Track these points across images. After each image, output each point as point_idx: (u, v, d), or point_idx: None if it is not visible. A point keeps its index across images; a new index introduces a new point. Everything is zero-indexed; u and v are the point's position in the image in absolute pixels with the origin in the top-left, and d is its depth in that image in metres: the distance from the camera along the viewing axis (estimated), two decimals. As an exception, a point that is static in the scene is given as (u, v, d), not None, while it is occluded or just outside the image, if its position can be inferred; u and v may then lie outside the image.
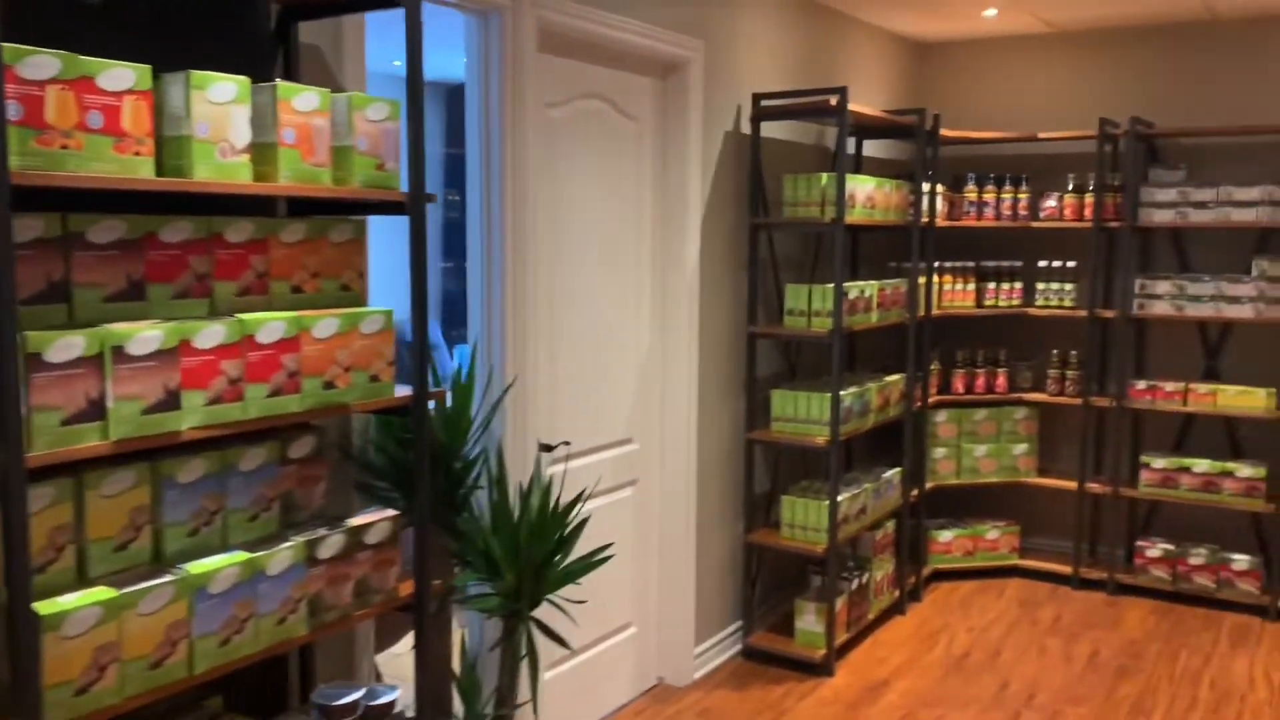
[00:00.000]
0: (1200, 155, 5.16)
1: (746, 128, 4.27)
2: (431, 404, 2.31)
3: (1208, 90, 5.12)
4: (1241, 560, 4.90)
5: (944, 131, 5.11)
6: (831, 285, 4.12)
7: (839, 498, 4.21)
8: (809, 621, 4.27)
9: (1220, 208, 4.86)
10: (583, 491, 3.00)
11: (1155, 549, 5.09)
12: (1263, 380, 5.06)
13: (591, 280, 3.62)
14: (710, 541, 4.24)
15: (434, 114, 8.25)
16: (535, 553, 2.60)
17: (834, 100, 4.03)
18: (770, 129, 4.44)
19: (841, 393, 4.19)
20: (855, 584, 4.46)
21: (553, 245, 3.41)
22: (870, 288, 4.39)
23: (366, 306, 2.24)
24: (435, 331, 7.04)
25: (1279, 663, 4.35)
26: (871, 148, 5.29)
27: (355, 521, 2.17)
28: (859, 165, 5.07)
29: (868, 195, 4.33)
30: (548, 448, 3.38)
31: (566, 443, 3.35)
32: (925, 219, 4.92)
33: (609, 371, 3.75)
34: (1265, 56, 4.98)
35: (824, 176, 4.13)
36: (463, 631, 3.15)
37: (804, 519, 4.24)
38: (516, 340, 3.13)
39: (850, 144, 5.09)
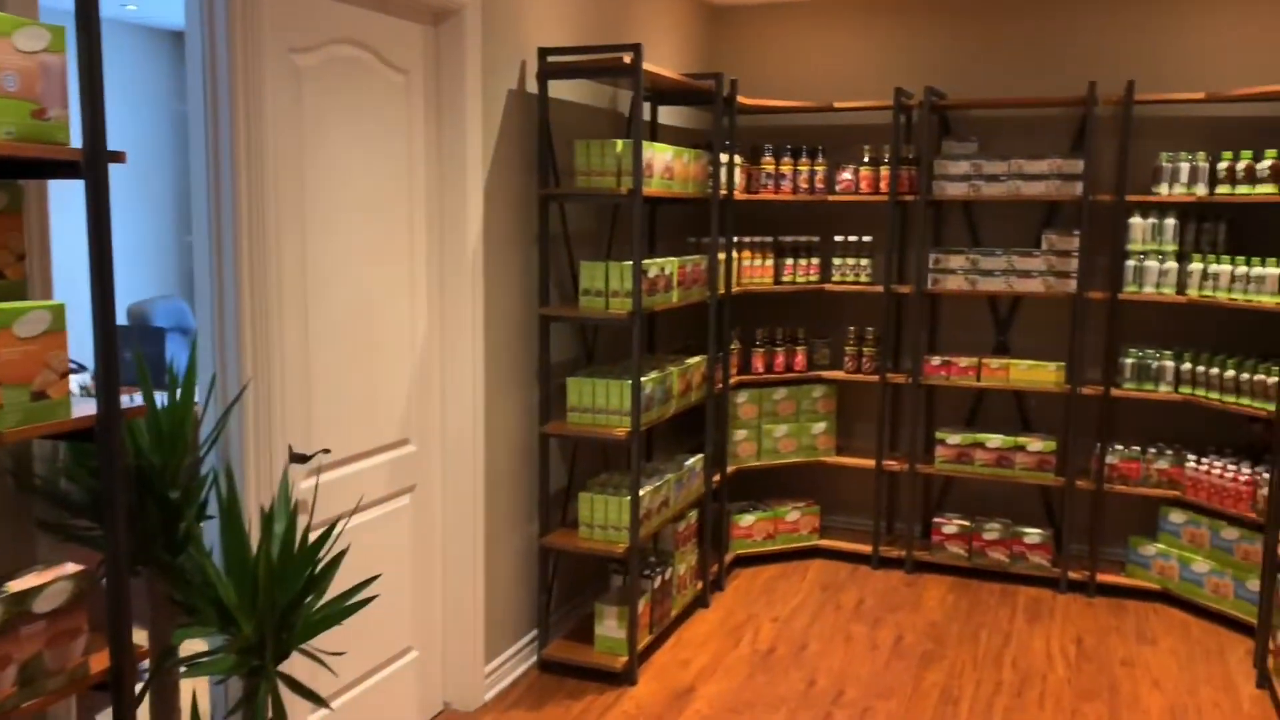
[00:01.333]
0: (992, 127, 5.13)
1: (533, 86, 3.84)
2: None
3: (1000, 61, 5.09)
4: (1033, 534, 4.94)
5: (741, 99, 4.85)
6: (629, 263, 3.77)
7: (640, 492, 3.89)
8: (610, 627, 3.94)
9: (1011, 180, 4.83)
10: (341, 516, 2.52)
11: (951, 525, 5.06)
12: (1050, 354, 5.11)
13: (354, 257, 3.11)
14: (501, 547, 3.83)
15: (165, 65, 7.37)
16: (279, 595, 2.12)
17: (628, 58, 3.67)
18: (560, 89, 4.04)
19: (642, 379, 3.86)
20: (658, 581, 4.17)
21: (300, 216, 2.89)
22: (670, 265, 4.08)
23: (30, 300, 1.69)
24: (188, 317, 6.27)
25: (1073, 636, 4.37)
26: (667, 115, 4.97)
27: (17, 585, 1.64)
28: (655, 133, 4.74)
29: (666, 165, 4.00)
30: (302, 458, 2.87)
31: (326, 450, 2.86)
32: (724, 191, 4.65)
33: (378, 363, 3.26)
34: (1055, 29, 4.98)
35: (619, 143, 3.76)
36: (194, 693, 2.61)
37: (604, 517, 3.89)
38: (255, 330, 2.61)
39: (645, 110, 4.75)
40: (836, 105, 5.09)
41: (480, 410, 3.63)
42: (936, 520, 5.10)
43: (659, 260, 3.99)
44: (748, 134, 5.30)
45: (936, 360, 5.01)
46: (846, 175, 5.10)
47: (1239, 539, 4.44)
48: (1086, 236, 4.70)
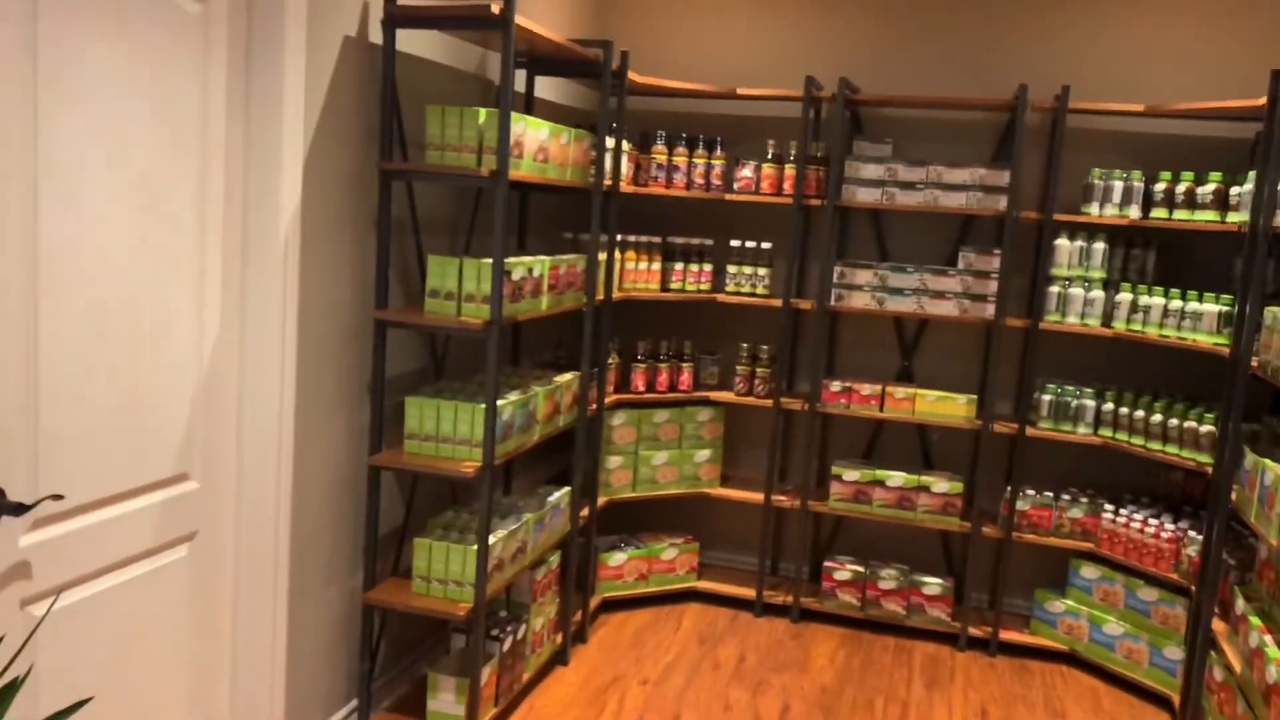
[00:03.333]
0: (908, 129, 4.60)
1: (376, 34, 3.10)
2: None
3: (920, 56, 4.57)
4: (932, 584, 4.44)
5: (633, 76, 4.19)
6: (490, 260, 3.07)
7: (492, 539, 3.20)
8: (445, 702, 3.24)
9: (929, 190, 4.31)
10: (71, 584, 1.77)
11: (844, 570, 4.52)
12: (958, 384, 4.63)
13: (114, 243, 2.33)
14: (313, 606, 3.09)
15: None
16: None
17: (497, 7, 2.96)
18: (412, 42, 3.30)
19: (501, 403, 3.17)
20: (508, 643, 3.48)
21: (29, 189, 2.10)
22: (541, 265, 3.39)
23: None
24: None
25: (977, 707, 3.87)
26: (545, 89, 4.28)
27: None
28: (530, 107, 4.04)
29: (540, 144, 3.32)
30: (18, 508, 2.08)
31: (58, 496, 2.08)
32: (609, 182, 3.99)
33: (147, 378, 2.48)
34: (983, 26, 4.48)
35: (481, 112, 3.05)
36: None
37: (444, 569, 3.19)
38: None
39: (519, 80, 4.05)
40: (740, 92, 4.48)
41: (289, 436, 2.88)
42: (827, 564, 4.56)
43: (527, 259, 3.29)
44: (637, 118, 4.65)
45: (837, 386, 4.46)
46: (747, 172, 4.50)
47: (1157, 600, 4.01)
48: (1008, 257, 4.22)
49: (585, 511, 4.15)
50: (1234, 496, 3.35)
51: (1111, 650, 4.14)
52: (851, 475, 4.48)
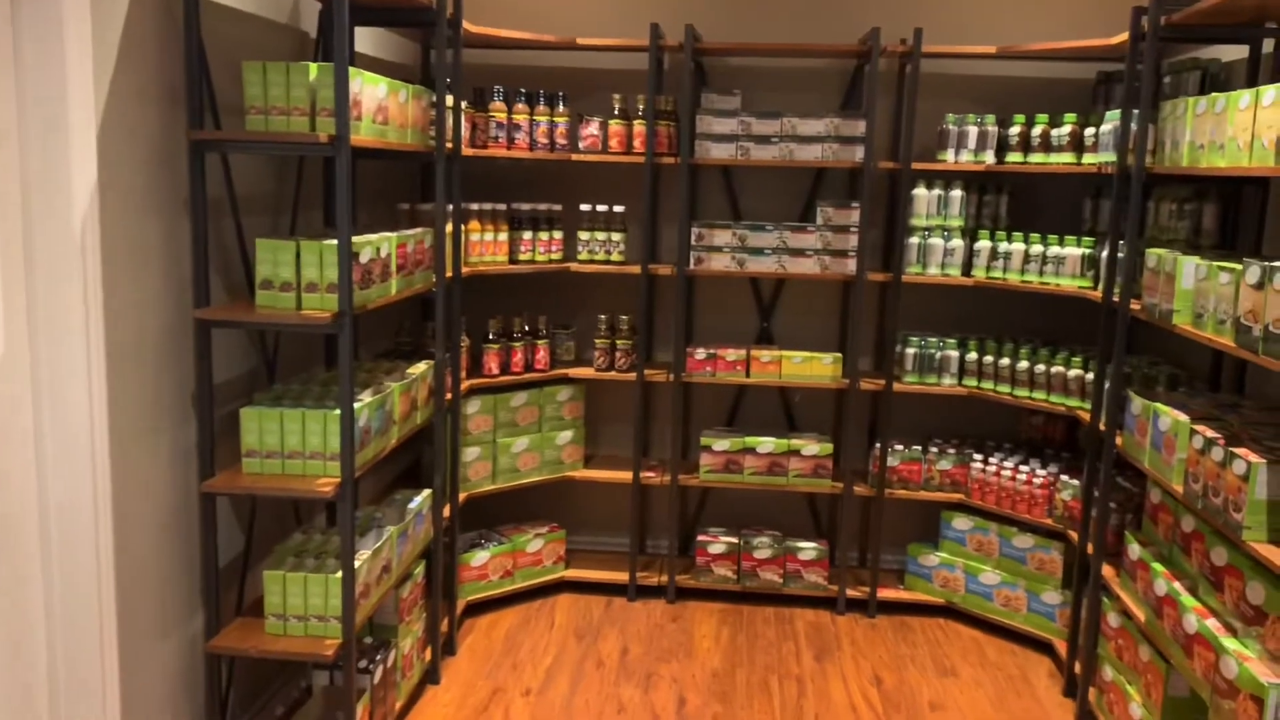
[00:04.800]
0: (753, 79, 4.38)
1: (175, -24, 2.57)
2: None
3: (759, 3, 4.34)
4: (808, 549, 4.31)
5: (467, 25, 3.76)
6: (331, 242, 2.63)
7: (356, 563, 2.79)
8: (317, 752, 2.83)
9: (784, 143, 4.11)
10: None
11: (718, 543, 4.33)
12: (818, 343, 4.48)
13: None
14: (149, 661, 2.59)
15: None
16: None
17: (326, -59, 2.50)
18: (217, -12, 2.79)
19: (357, 405, 2.74)
20: (379, 673, 3.08)
21: None
22: (388, 243, 2.96)
23: None
24: None
25: (870, 674, 3.77)
26: (364, 42, 3.79)
27: None
28: (351, 59, 3.55)
29: (379, 103, 2.87)
30: None
31: None
32: (450, 144, 3.56)
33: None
34: (821, -32, 4.30)
35: (313, 67, 2.60)
36: None
37: (302, 604, 2.75)
38: None
39: (337, 31, 3.55)
40: (580, 42, 4.13)
41: (105, 466, 2.37)
42: (700, 538, 4.35)
43: (373, 238, 2.86)
44: (471, 73, 4.22)
45: (701, 354, 4.23)
46: (593, 129, 4.16)
47: (1033, 547, 4.02)
48: (867, 210, 4.08)
49: (447, 512, 3.76)
50: (1119, 441, 3.33)
51: (989, 600, 4.14)
52: (721, 445, 4.27)
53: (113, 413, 2.41)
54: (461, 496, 3.99)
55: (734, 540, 4.34)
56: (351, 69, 2.65)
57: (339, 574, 2.74)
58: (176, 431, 2.70)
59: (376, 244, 2.87)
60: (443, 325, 3.47)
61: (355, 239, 2.73)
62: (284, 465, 2.73)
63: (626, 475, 4.31)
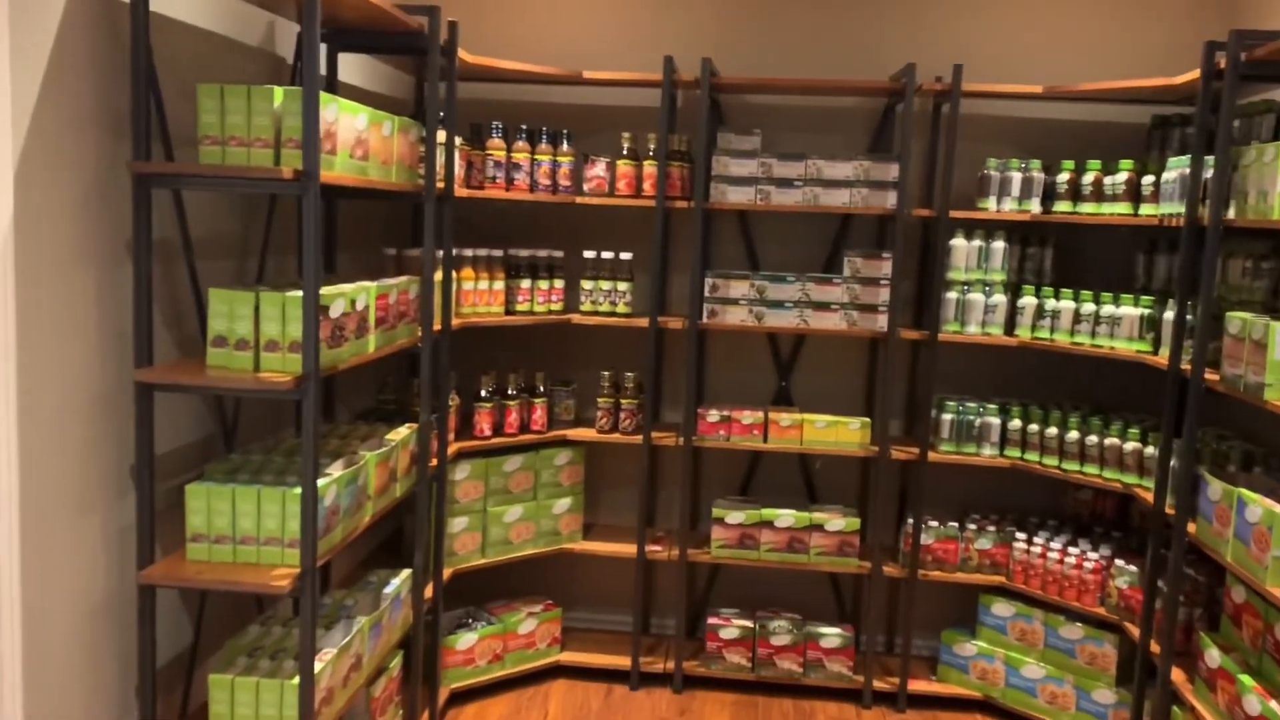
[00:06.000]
0: (776, 118, 4.04)
1: (120, -15, 2.23)
2: None
3: (783, 37, 4.01)
4: (831, 635, 3.89)
5: (462, 54, 3.42)
6: (297, 293, 2.26)
7: (317, 664, 2.39)
8: None
9: (808, 187, 3.75)
10: None
11: (730, 627, 3.92)
12: (842, 406, 4.10)
13: None
14: (62, 789, 2.19)
15: None
16: None
17: (295, -54, 2.16)
18: (171, 2, 2.44)
19: (322, 482, 2.36)
20: (345, 788, 2.66)
21: None
22: (366, 294, 2.59)
23: None
24: None
25: (904, 784, 3.35)
26: (350, 70, 3.45)
27: None
28: (333, 89, 3.20)
29: (358, 136, 2.52)
30: None
31: None
32: (441, 184, 3.21)
33: None
34: (860, 2, 3.97)
35: (279, 91, 2.24)
36: None
37: (253, 713, 2.35)
38: None
39: (321, 55, 3.20)
40: (587, 76, 3.79)
41: (14, 557, 1.99)
42: (711, 621, 3.94)
43: (347, 288, 2.49)
44: (467, 108, 3.87)
45: (714, 415, 3.84)
46: (599, 170, 3.81)
47: (1083, 638, 3.60)
48: (899, 261, 3.72)
49: (429, 591, 3.36)
50: (1192, 529, 2.93)
51: (1033, 695, 3.71)
52: (735, 517, 3.87)
53: (26, 491, 2.03)
54: (447, 572, 3.59)
55: (748, 624, 3.92)
56: (325, 95, 2.30)
57: (295, 679, 2.33)
58: (111, 511, 2.31)
59: (351, 295, 2.50)
60: (429, 384, 3.09)
61: (325, 290, 2.36)
62: (235, 552, 2.34)
63: (630, 549, 3.91)
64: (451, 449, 3.52)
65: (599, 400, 3.89)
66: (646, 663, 3.96)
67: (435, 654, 3.47)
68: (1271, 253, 3.06)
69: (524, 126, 3.74)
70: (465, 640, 3.71)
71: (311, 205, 2.23)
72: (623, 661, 3.95)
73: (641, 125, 3.90)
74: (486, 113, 3.86)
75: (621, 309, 3.85)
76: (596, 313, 3.86)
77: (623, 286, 3.85)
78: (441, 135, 3.18)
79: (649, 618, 4.24)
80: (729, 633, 3.92)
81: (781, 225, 4.08)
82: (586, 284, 3.86)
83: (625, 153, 3.79)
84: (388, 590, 2.92)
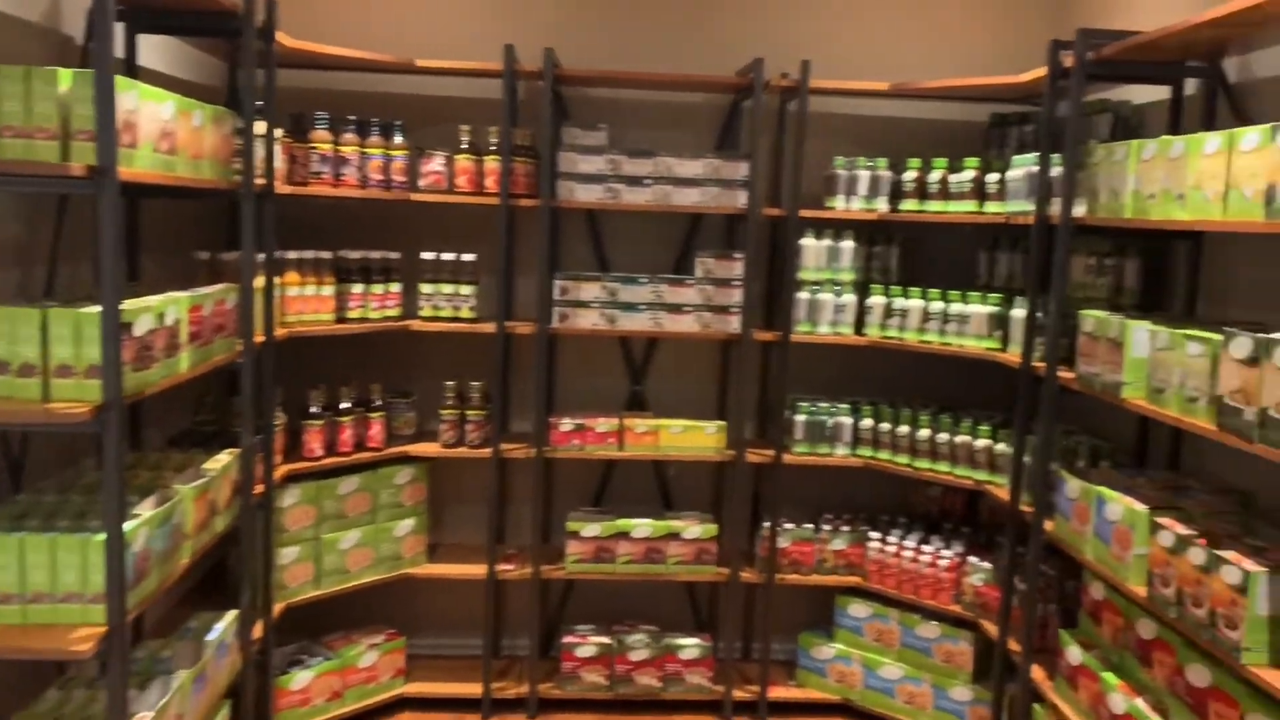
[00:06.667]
0: (617, 113, 3.88)
1: None
2: None
3: (627, 29, 3.86)
4: (690, 646, 3.77)
5: (282, 38, 3.10)
6: (95, 309, 1.94)
7: (129, 736, 2.07)
8: None
9: (658, 185, 3.61)
10: None
11: (587, 645, 3.75)
12: (693, 409, 3.98)
13: None
14: None
15: None
16: None
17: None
18: (-71, -35, 2.07)
19: (129, 526, 2.04)
20: None
21: None
22: (177, 306, 2.28)
23: None
24: None
25: (771, 799, 3.26)
26: (152, 54, 3.07)
27: None
28: (133, 74, 2.83)
29: (163, 127, 2.21)
30: None
31: None
32: (261, 180, 2.89)
33: None
34: (692, -8, 3.85)
35: (65, 74, 1.92)
36: None
37: (51, 799, 2.01)
38: None
39: (118, 36, 2.83)
40: (421, 64, 3.53)
41: None
42: (567, 639, 3.76)
43: (154, 301, 2.18)
44: (288, 98, 3.53)
45: (568, 424, 3.66)
46: (436, 165, 3.56)
47: (939, 637, 3.60)
48: (752, 261, 3.63)
49: (258, 630, 3.04)
50: (1049, 526, 2.95)
51: (891, 696, 3.70)
52: (591, 530, 3.70)
53: None
54: (277, 608, 3.27)
55: (605, 640, 3.76)
56: (123, 80, 1.99)
57: (103, 757, 2.02)
58: None
59: (159, 308, 2.18)
60: (252, 402, 2.78)
61: (128, 304, 2.05)
62: (26, 613, 2.00)
63: (479, 569, 3.68)
64: (279, 473, 3.20)
65: (442, 412, 3.64)
66: (499, 688, 3.74)
67: (267, 698, 3.16)
68: (1114, 250, 3.12)
69: (352, 118, 3.45)
70: (300, 679, 3.39)
71: (109, 206, 1.92)
72: (473, 689, 3.72)
73: (481, 118, 3.66)
74: (310, 103, 3.54)
75: (465, 314, 3.62)
76: (437, 318, 3.60)
77: (465, 290, 3.61)
78: (260, 126, 2.88)
79: (500, 640, 4.01)
80: (586, 650, 3.75)
81: (631, 225, 3.93)
82: (425, 288, 3.60)
83: (465, 147, 3.56)
84: (211, 636, 2.61)
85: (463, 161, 3.55)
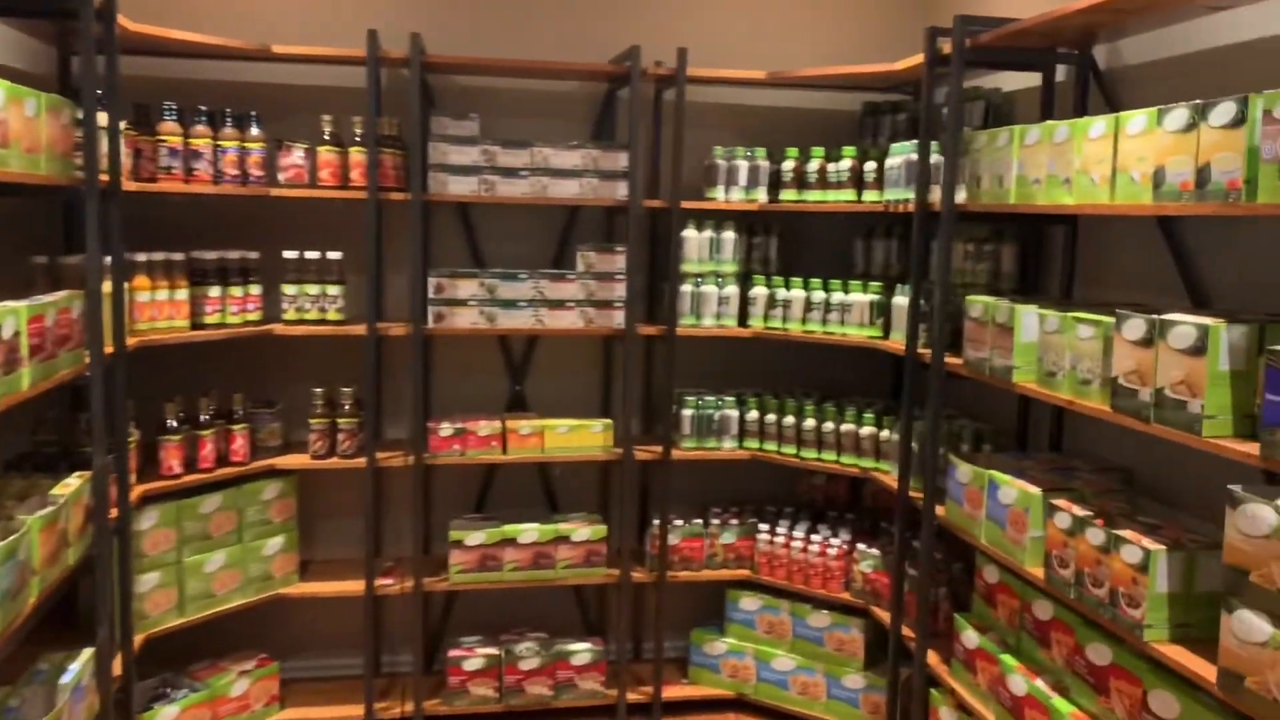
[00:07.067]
0: (488, 102, 3.73)
1: None
2: None
3: (497, 14, 3.71)
4: (581, 650, 3.66)
5: (124, 21, 2.84)
6: (-86, 322, 1.70)
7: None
8: None
9: (535, 177, 3.49)
10: None
11: (474, 658, 3.60)
12: (578, 408, 3.87)
13: None
14: None
15: None
16: None
17: None
18: None
19: (-38, 568, 1.80)
20: None
21: None
22: (15, 317, 2.04)
23: None
24: None
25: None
26: (-28, 35, 2.77)
27: None
28: (-50, 61, 2.55)
29: (-10, 113, 1.96)
30: None
31: None
32: (105, 176, 2.64)
33: None
34: (563, -23, 3.73)
35: None
36: None
37: None
38: None
39: (-74, 17, 2.53)
40: (278, 50, 3.31)
41: None
42: (452, 653, 3.60)
43: (-12, 311, 1.94)
44: (132, 86, 3.23)
45: (448, 429, 3.50)
46: (296, 158, 3.34)
47: (830, 626, 3.61)
48: (634, 254, 3.54)
49: (117, 665, 2.78)
50: (940, 512, 2.96)
51: (785, 688, 3.68)
52: (475, 538, 3.55)
53: None
54: (138, 639, 3.01)
55: (493, 651, 3.61)
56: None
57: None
58: None
59: (-6, 319, 1.94)
60: (102, 419, 2.54)
61: (-44, 315, 1.81)
62: None
63: (357, 585, 3.49)
64: (135, 494, 2.94)
65: (312, 421, 3.43)
66: (381, 709, 3.56)
67: (129, 739, 2.90)
68: (992, 236, 3.16)
69: (204, 108, 3.20)
70: (165, 715, 3.14)
71: (-70, 204, 1.68)
72: (355, 711, 3.52)
73: (344, 108, 3.46)
74: (156, 92, 3.26)
75: (333, 315, 3.41)
76: (303, 321, 3.39)
77: (333, 290, 3.41)
78: (102, 118, 2.62)
79: (381, 658, 3.82)
80: (473, 663, 3.60)
81: (506, 219, 3.79)
82: (289, 289, 3.38)
83: (327, 138, 3.35)
84: (65, 679, 2.36)
85: (325, 154, 3.34)
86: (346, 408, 3.46)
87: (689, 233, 3.63)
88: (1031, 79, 3.14)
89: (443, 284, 3.46)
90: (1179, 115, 2.00)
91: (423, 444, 3.47)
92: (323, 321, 3.40)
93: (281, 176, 3.35)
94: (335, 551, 3.76)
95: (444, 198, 3.41)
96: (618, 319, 3.57)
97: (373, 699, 3.52)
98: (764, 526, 3.71)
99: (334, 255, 3.41)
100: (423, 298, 3.43)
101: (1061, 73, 3.05)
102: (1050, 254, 3.13)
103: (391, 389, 3.72)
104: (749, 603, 3.75)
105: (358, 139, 3.36)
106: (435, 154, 3.41)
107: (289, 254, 3.39)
